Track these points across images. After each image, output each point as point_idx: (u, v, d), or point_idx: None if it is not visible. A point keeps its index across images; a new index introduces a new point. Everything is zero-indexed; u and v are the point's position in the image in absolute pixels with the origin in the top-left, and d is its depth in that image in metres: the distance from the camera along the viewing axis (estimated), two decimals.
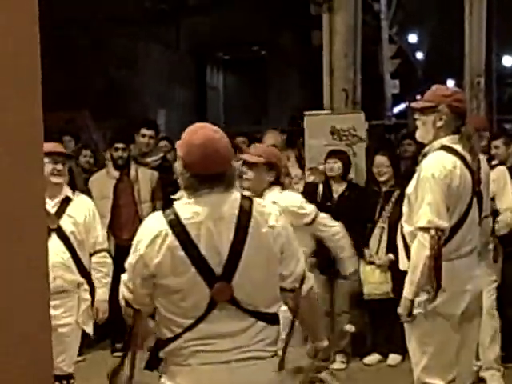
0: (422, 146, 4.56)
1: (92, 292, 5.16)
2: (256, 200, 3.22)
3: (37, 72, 1.74)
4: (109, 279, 5.24)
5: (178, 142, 3.20)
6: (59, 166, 4.87)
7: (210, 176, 3.06)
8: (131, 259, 3.12)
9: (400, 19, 18.43)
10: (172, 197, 3.24)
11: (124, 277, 3.19)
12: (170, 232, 3.01)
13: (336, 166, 6.87)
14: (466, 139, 4.36)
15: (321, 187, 6.94)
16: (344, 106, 7.88)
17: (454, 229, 4.26)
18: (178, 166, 3.21)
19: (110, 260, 5.31)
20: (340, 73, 7.88)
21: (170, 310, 3.07)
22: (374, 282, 6.73)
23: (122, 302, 3.23)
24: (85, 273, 5.06)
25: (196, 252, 3.00)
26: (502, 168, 6.02)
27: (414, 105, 4.69)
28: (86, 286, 5.10)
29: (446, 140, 4.33)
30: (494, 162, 6.05)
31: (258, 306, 3.08)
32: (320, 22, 8.15)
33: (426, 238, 4.14)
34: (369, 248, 6.78)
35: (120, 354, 6.87)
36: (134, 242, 3.12)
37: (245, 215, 3.06)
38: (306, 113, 7.72)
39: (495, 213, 5.83)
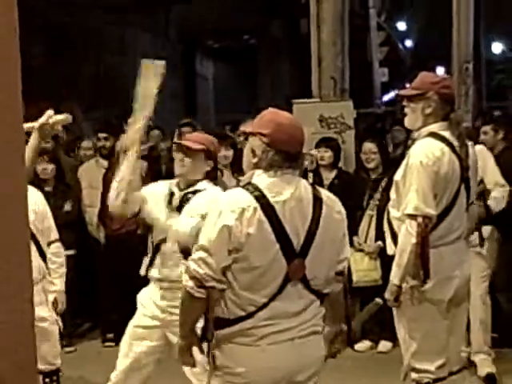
0: (411, 132, 4.59)
1: None
2: (317, 187, 3.40)
3: (16, 62, 1.72)
4: (64, 269, 5.28)
5: (255, 122, 3.33)
6: None
7: (293, 155, 3.24)
8: (211, 231, 3.10)
9: (388, 7, 18.41)
10: (240, 178, 3.29)
11: (198, 254, 3.11)
12: (258, 207, 3.09)
13: (327, 154, 6.89)
14: (455, 126, 4.38)
15: (311, 175, 6.95)
16: (332, 94, 7.88)
17: (442, 216, 4.28)
18: (256, 144, 3.24)
19: (63, 250, 5.35)
20: (328, 61, 7.88)
21: (245, 286, 3.12)
22: (363, 269, 6.75)
23: (191, 283, 3.11)
24: (44, 261, 5.08)
25: (281, 229, 3.11)
26: (481, 147, 6.01)
27: (402, 92, 4.73)
28: (49, 277, 5.12)
29: (434, 127, 4.35)
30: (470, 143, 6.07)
31: (320, 285, 3.25)
32: (308, 10, 8.15)
33: (412, 225, 4.17)
34: (358, 235, 6.80)
35: (111, 343, 6.92)
36: (214, 213, 3.12)
37: (318, 199, 3.24)
38: (295, 101, 7.73)
39: (482, 194, 5.84)
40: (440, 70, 31.86)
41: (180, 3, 18.89)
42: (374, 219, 6.75)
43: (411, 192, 4.22)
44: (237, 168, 5.50)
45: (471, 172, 4.49)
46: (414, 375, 4.42)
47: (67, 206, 7.14)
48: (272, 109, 3.37)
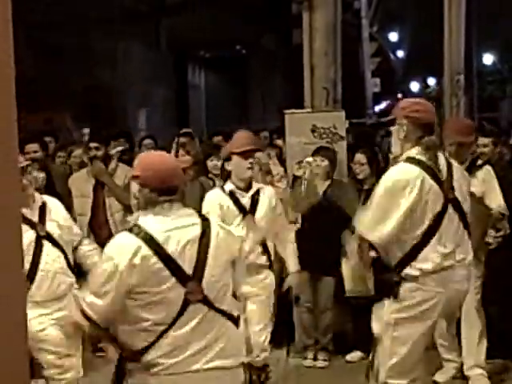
0: None
1: None
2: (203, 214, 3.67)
3: (10, 72, 1.72)
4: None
5: (134, 166, 3.57)
6: (24, 180, 4.87)
7: (167, 189, 3.39)
8: (104, 279, 3.29)
9: (380, 18, 18.47)
10: (128, 219, 3.54)
11: (89, 298, 3.35)
12: (143, 246, 3.26)
13: (323, 164, 6.89)
14: (426, 149, 4.42)
15: (305, 183, 6.95)
16: (325, 105, 7.89)
17: (426, 236, 4.34)
18: (134, 186, 3.49)
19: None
20: (320, 71, 7.89)
21: (143, 316, 3.27)
22: (356, 279, 6.74)
23: (85, 323, 3.39)
24: (73, 272, 5.09)
25: (170, 259, 3.30)
26: (488, 168, 6.02)
27: (384, 119, 4.87)
28: (76, 285, 5.14)
29: (412, 152, 4.45)
30: (479, 162, 6.05)
31: (226, 305, 3.44)
32: (301, 20, 8.16)
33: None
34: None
35: (103, 353, 6.88)
36: (106, 262, 3.32)
37: (205, 223, 3.44)
38: (287, 111, 7.73)
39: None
40: (431, 81, 31.99)
41: (171, 15, 18.91)
42: None
43: (367, 212, 4.41)
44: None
45: (458, 192, 4.51)
46: None
47: None
48: (144, 153, 3.80)
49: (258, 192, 5.57)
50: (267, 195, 5.60)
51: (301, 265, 6.86)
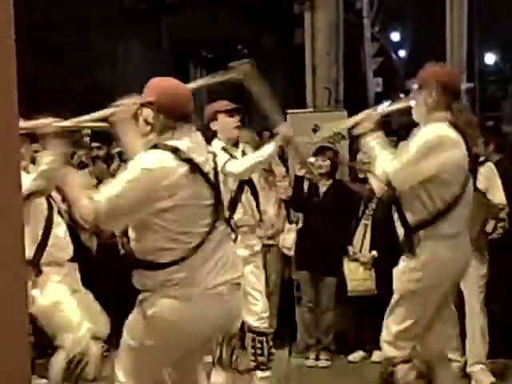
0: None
1: None
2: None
3: (11, 72, 1.72)
4: None
5: (143, 94, 3.57)
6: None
7: (182, 114, 3.43)
8: (133, 182, 3.28)
9: (382, 18, 18.44)
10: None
11: (111, 191, 3.32)
12: (182, 162, 3.30)
13: (325, 164, 6.89)
14: (458, 113, 4.38)
15: (307, 183, 6.95)
16: (327, 104, 7.89)
17: (451, 205, 4.28)
18: (147, 113, 3.47)
19: None
20: (322, 71, 7.89)
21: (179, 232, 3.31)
22: (358, 278, 6.74)
23: (88, 218, 3.37)
24: None
25: (207, 177, 3.40)
26: (491, 165, 6.06)
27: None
28: None
29: (442, 114, 4.34)
30: (481, 159, 6.08)
31: None
32: (302, 20, 8.16)
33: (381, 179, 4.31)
34: (353, 245, 6.79)
35: (105, 353, 6.88)
36: (136, 167, 3.29)
37: (214, 154, 3.62)
38: (289, 111, 7.72)
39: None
40: None
41: (171, 14, 18.89)
42: (368, 229, 6.75)
43: (398, 158, 4.23)
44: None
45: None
46: (391, 350, 4.47)
47: None
48: (156, 78, 3.67)
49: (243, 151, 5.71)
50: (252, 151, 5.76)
51: (302, 265, 6.88)
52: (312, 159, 6.87)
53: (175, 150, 3.29)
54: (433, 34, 14.66)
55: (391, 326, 4.49)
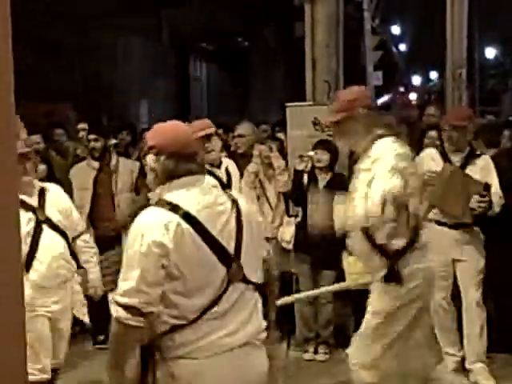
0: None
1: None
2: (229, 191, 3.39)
3: (8, 69, 1.70)
4: (97, 258, 5.38)
5: (147, 137, 3.34)
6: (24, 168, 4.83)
7: (184, 155, 3.18)
8: (140, 259, 2.97)
9: (382, 11, 18.41)
10: (149, 195, 3.28)
11: (128, 284, 2.98)
12: (180, 220, 3.01)
13: (324, 157, 6.88)
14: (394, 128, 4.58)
15: (306, 176, 6.94)
16: (326, 98, 7.87)
17: None
18: (150, 159, 3.25)
19: (92, 241, 5.44)
20: (322, 64, 7.86)
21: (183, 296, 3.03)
22: (357, 272, 6.73)
23: (125, 315, 2.98)
24: (73, 259, 5.09)
25: (210, 237, 3.07)
26: (487, 157, 6.09)
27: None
28: (77, 278, 5.14)
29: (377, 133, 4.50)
30: (478, 152, 6.12)
31: (254, 277, 3.25)
32: (302, 13, 8.14)
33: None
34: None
35: (102, 345, 6.92)
36: (136, 238, 3.00)
37: (235, 203, 3.23)
38: (288, 104, 7.71)
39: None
40: (433, 75, 31.92)
41: (172, 7, 18.89)
42: None
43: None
44: None
45: None
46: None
47: None
48: (157, 124, 3.39)
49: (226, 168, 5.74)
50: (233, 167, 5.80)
51: (301, 258, 6.88)
52: (311, 153, 6.87)
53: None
54: (433, 28, 14.66)
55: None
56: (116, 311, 3.00)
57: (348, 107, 4.49)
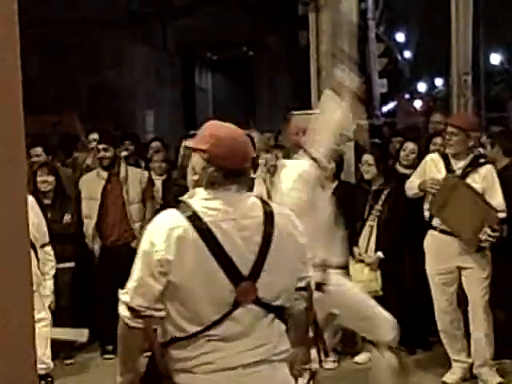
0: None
1: None
2: (273, 204, 3.12)
3: (16, 75, 1.72)
4: (54, 271, 5.50)
5: (196, 137, 3.08)
6: None
7: (235, 171, 2.95)
8: (143, 260, 2.88)
9: (387, 18, 18.45)
10: (180, 198, 3.10)
11: (130, 284, 2.91)
12: (189, 228, 2.84)
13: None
14: None
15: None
16: None
17: None
18: (195, 160, 3.03)
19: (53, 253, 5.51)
20: (327, 72, 7.88)
21: (184, 314, 2.88)
22: (363, 280, 6.73)
23: (126, 314, 2.90)
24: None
25: (220, 251, 2.85)
26: (490, 166, 6.05)
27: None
28: (44, 283, 5.26)
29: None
30: (481, 160, 6.09)
31: (272, 299, 2.97)
32: (307, 22, 8.15)
33: None
34: (358, 246, 6.79)
35: (110, 355, 6.92)
36: (146, 241, 2.89)
37: (269, 217, 2.95)
38: (294, 112, 7.72)
39: None
40: (439, 82, 31.91)
41: (177, 17, 18.93)
42: (374, 230, 6.75)
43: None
44: None
45: None
46: None
47: (66, 218, 7.13)
48: (214, 121, 3.11)
49: None
50: None
51: None
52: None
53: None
54: (438, 35, 14.66)
55: None
56: (121, 310, 2.94)
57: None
